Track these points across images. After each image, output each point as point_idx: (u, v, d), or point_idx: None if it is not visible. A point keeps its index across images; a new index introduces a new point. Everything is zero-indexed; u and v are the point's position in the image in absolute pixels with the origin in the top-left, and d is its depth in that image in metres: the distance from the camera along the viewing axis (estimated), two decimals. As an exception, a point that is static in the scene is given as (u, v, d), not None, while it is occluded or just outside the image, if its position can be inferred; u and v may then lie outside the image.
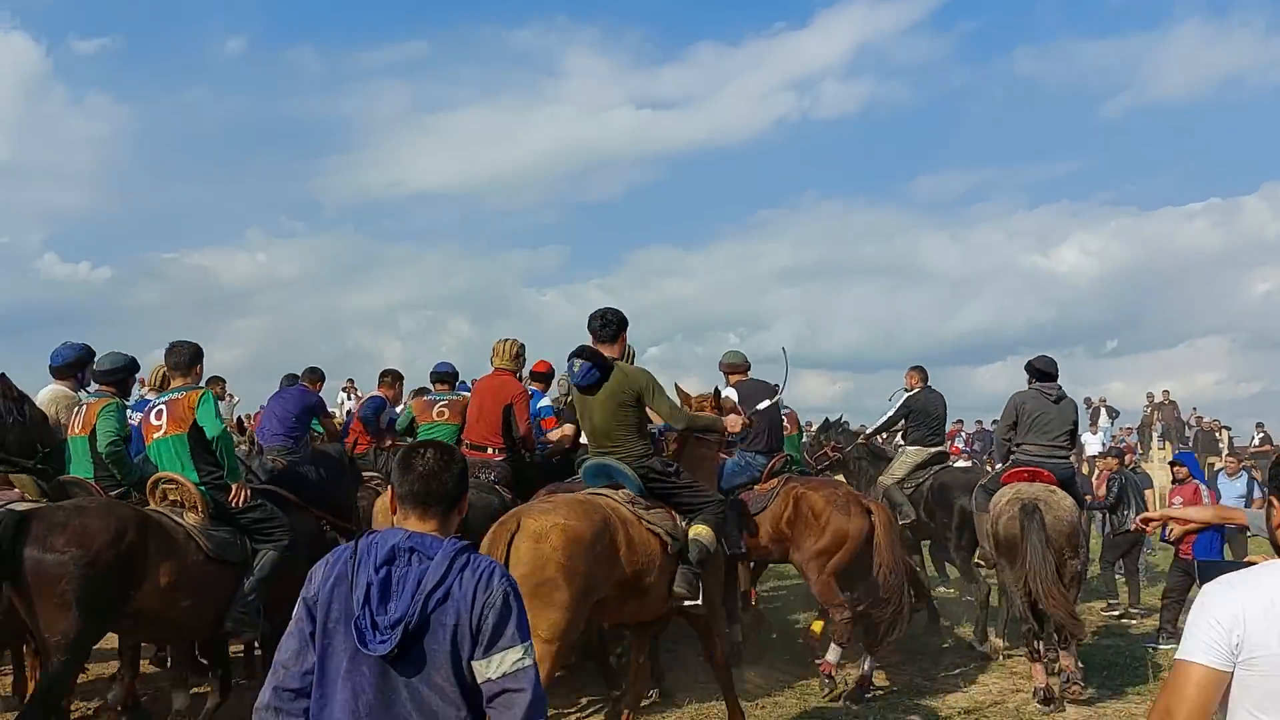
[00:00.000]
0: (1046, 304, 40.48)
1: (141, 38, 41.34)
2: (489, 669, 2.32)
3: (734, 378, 8.07)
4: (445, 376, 8.90)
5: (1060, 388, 7.58)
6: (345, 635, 2.34)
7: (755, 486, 7.63)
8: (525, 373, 8.32)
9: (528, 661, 2.36)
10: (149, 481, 5.76)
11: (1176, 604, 9.17)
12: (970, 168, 47.20)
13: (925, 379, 9.79)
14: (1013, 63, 45.32)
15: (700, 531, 5.47)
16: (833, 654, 7.20)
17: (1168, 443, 23.45)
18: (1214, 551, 9.12)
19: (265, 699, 2.44)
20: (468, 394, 8.26)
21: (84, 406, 6.14)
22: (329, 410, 9.55)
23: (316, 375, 9.93)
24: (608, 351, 5.58)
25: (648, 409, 5.63)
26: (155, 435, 5.74)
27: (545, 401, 8.45)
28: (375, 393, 9.75)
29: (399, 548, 2.38)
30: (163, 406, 5.79)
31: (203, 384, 6.02)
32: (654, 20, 47.53)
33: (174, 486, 5.67)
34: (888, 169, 49.02)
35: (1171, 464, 11.30)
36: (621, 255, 52.06)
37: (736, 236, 47.79)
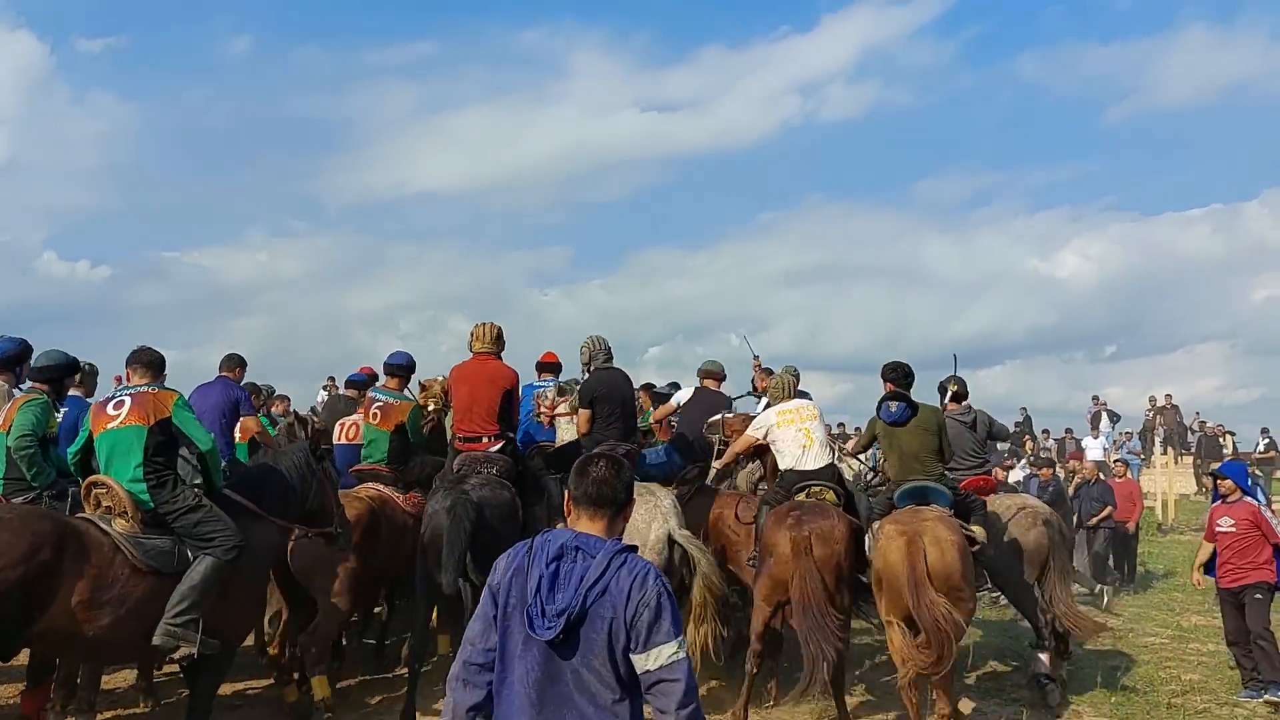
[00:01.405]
0: (1047, 308, 40.69)
1: (146, 37, 41.60)
2: (647, 662, 2.57)
3: (708, 382, 8.55)
4: (398, 369, 8.18)
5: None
6: (520, 620, 2.64)
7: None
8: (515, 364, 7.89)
9: (680, 655, 2.60)
10: (84, 485, 5.38)
11: (1250, 643, 7.61)
12: (974, 172, 47.32)
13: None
14: (1018, 67, 45.56)
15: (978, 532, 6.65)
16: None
17: (1170, 448, 23.06)
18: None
19: (455, 670, 2.76)
20: (412, 399, 8.11)
21: (10, 402, 5.91)
22: (251, 407, 8.56)
23: (235, 362, 8.62)
24: None
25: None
26: (109, 425, 5.35)
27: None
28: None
29: (567, 545, 2.68)
30: (127, 398, 5.42)
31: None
32: (660, 23, 47.86)
33: (105, 491, 5.27)
34: (891, 173, 49.31)
35: (1214, 476, 8.69)
36: (624, 256, 52.43)
37: (740, 238, 47.96)
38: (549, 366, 8.77)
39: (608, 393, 7.21)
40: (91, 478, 5.34)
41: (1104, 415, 23.97)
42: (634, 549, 2.75)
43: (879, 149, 47.68)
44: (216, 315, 37.44)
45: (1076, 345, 42.99)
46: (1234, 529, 7.80)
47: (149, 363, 5.55)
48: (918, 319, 42.16)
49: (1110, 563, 13.59)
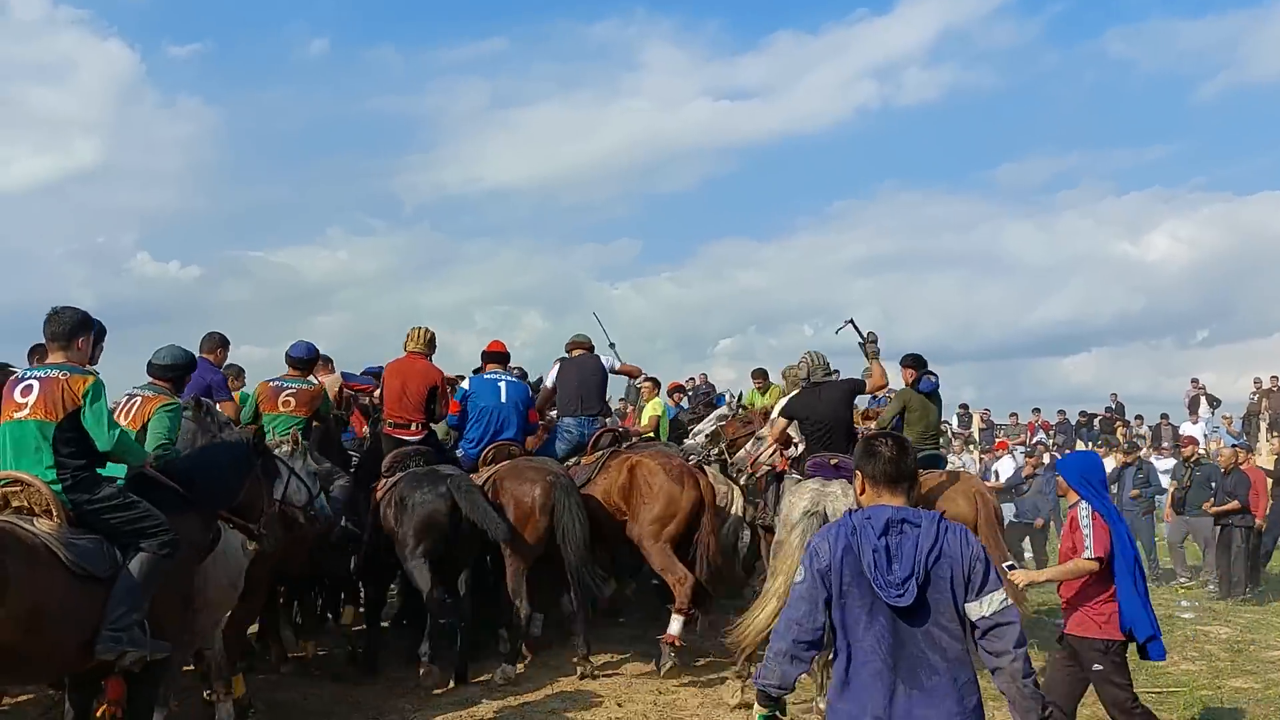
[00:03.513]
0: (1135, 293, 39.22)
1: (230, 42, 43.10)
2: (982, 608, 2.90)
3: (576, 352, 8.60)
4: (299, 362, 7.64)
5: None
6: (860, 594, 2.89)
7: (580, 459, 7.99)
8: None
9: (1008, 599, 2.95)
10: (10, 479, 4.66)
11: None
12: (1057, 154, 45.66)
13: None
14: (1104, 45, 43.65)
15: None
16: (675, 625, 7.09)
17: (1277, 433, 21.34)
18: None
19: (782, 647, 2.98)
20: (317, 385, 7.76)
21: (138, 399, 5.70)
22: (228, 391, 7.87)
23: (216, 343, 8.03)
24: None
25: None
26: (15, 414, 4.64)
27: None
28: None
29: (892, 520, 2.93)
30: (35, 383, 4.66)
31: (92, 367, 4.88)
32: (732, 10, 47.25)
33: (18, 489, 4.58)
34: (971, 157, 47.97)
35: None
36: (694, 247, 51.99)
37: (812, 228, 47.05)
38: (496, 356, 8.43)
39: (820, 410, 7.22)
40: (15, 473, 4.61)
41: (1202, 399, 22.33)
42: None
43: (957, 133, 46.23)
44: (299, 312, 38.37)
45: (1166, 330, 41.25)
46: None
47: (54, 335, 4.76)
48: (996, 306, 40.97)
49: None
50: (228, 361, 8.33)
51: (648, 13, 46.37)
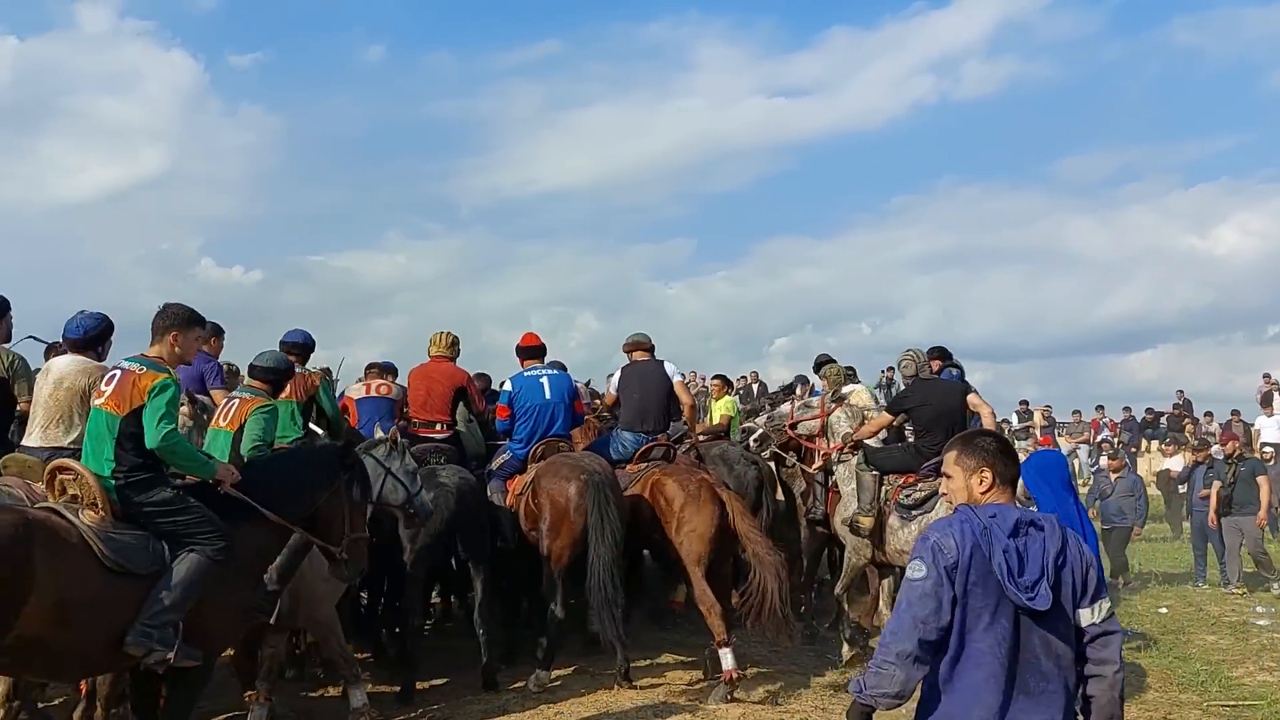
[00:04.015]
0: (1203, 288, 38.07)
1: (290, 50, 44.06)
2: (1093, 615, 2.90)
3: (638, 355, 8.21)
4: (294, 347, 7.30)
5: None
6: (984, 595, 2.82)
7: (626, 466, 7.70)
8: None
9: (1112, 608, 2.99)
10: (47, 470, 4.74)
11: None
12: (1121, 146, 44.48)
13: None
14: (1170, 34, 42.38)
15: None
16: (725, 660, 6.57)
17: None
18: None
19: (907, 648, 2.83)
20: (310, 372, 7.56)
21: (236, 401, 5.96)
22: (222, 380, 7.62)
23: (211, 332, 7.60)
24: None
25: None
26: (95, 402, 4.78)
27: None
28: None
29: (1020, 521, 2.89)
30: (118, 373, 4.77)
31: (165, 366, 4.79)
32: (786, 8, 46.70)
33: (72, 478, 4.60)
34: (1032, 150, 46.97)
35: None
36: (749, 246, 51.70)
37: (869, 224, 46.50)
38: (531, 351, 7.97)
39: (937, 403, 7.49)
40: (57, 461, 4.72)
41: (1276, 395, 21.39)
42: None
43: (1017, 126, 45.31)
44: (358, 316, 38.91)
45: (1235, 326, 40.05)
46: None
47: (156, 327, 4.85)
48: (1059, 302, 40.04)
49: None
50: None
51: (701, 12, 46.28)
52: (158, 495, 4.63)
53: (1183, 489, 14.49)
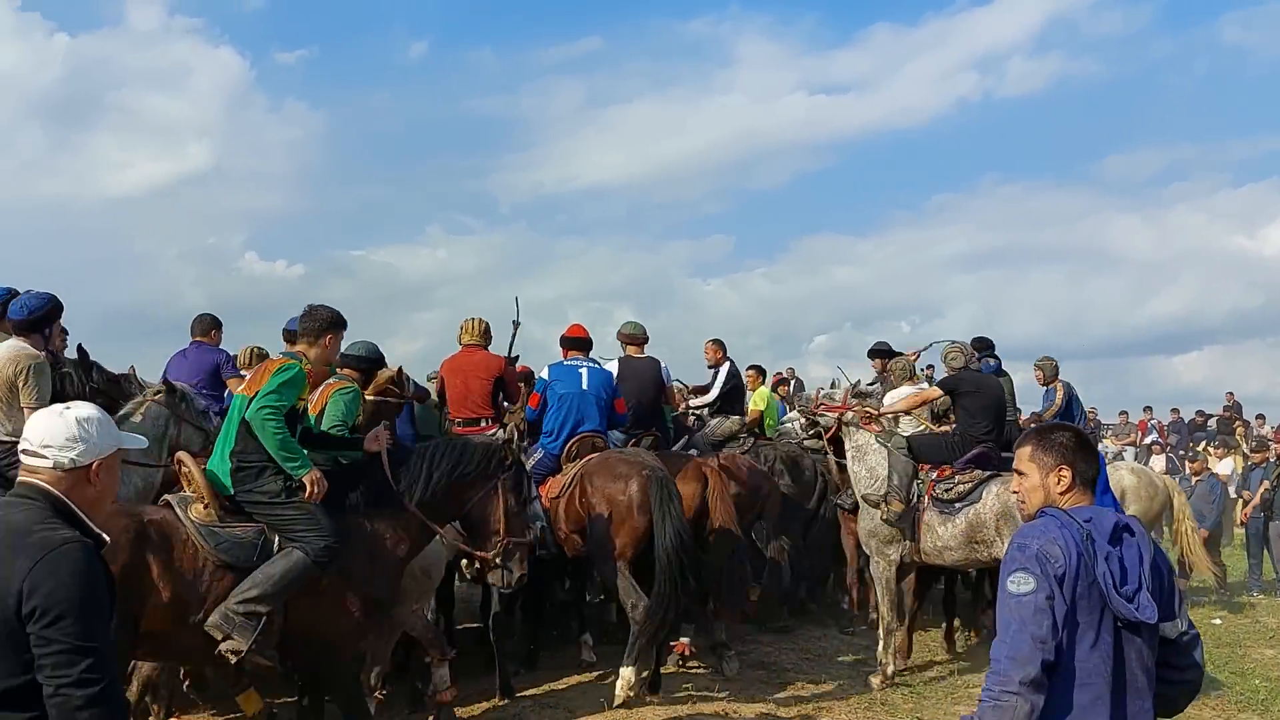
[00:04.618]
0: (1253, 289, 37.18)
1: (334, 47, 44.59)
2: (1180, 624, 2.72)
3: (631, 349, 8.12)
4: (290, 335, 6.89)
5: None
6: (1090, 608, 2.57)
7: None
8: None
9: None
10: (175, 460, 4.99)
11: None
12: (1168, 145, 43.40)
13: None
14: (1218, 30, 41.31)
15: None
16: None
17: None
18: None
19: (1031, 673, 2.52)
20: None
21: (322, 386, 5.76)
22: (235, 369, 7.33)
23: (209, 324, 7.49)
24: None
25: None
26: (237, 389, 5.16)
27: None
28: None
29: (1119, 526, 2.65)
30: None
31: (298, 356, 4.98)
32: (828, 4, 46.14)
33: (187, 472, 4.77)
34: (1076, 149, 45.97)
35: None
36: (788, 243, 51.11)
37: (910, 222, 45.82)
38: (576, 343, 7.67)
39: (986, 391, 7.57)
40: (178, 454, 4.94)
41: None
42: None
43: (1062, 124, 44.51)
44: (399, 310, 39.08)
45: (1286, 328, 38.75)
46: None
47: (307, 329, 5.02)
48: (1103, 302, 39.25)
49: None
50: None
51: (742, 8, 45.83)
52: (267, 485, 4.64)
53: (1243, 495, 13.95)
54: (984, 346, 9.45)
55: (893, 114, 43.28)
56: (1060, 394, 9.86)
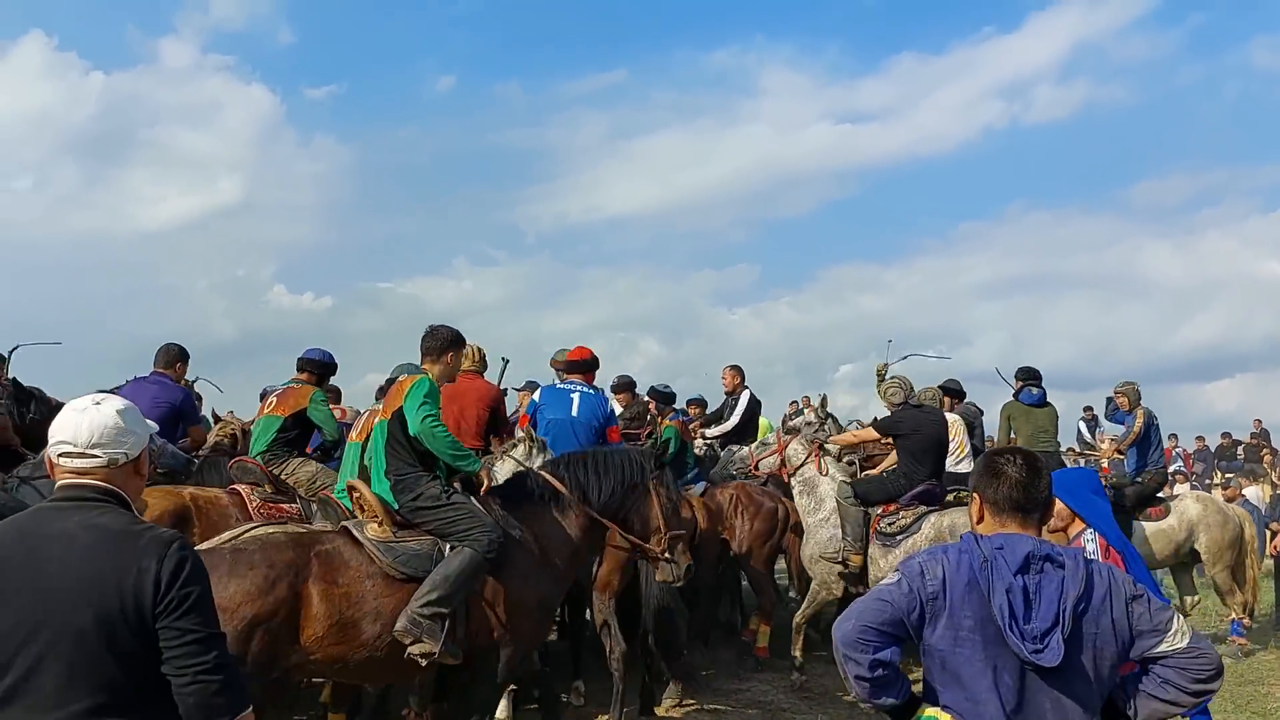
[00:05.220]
0: None
1: (362, 82, 45.05)
2: (1177, 640, 2.37)
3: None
4: (304, 364, 6.91)
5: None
6: (984, 645, 2.34)
7: None
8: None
9: (1186, 624, 2.41)
10: (347, 486, 5.25)
11: None
12: (1199, 170, 43.00)
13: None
14: (1249, 55, 41.01)
15: None
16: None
17: None
18: None
19: (860, 667, 2.38)
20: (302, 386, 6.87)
21: (364, 414, 5.94)
22: (195, 411, 7.06)
23: (175, 357, 7.00)
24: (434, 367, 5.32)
25: None
26: (375, 421, 5.29)
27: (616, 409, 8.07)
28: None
29: (1033, 555, 2.38)
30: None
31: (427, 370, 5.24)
32: (853, 33, 46.39)
33: (357, 495, 5.02)
34: (1105, 175, 45.71)
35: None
36: (813, 272, 50.96)
37: (936, 251, 45.65)
38: (577, 366, 7.44)
39: (927, 430, 7.59)
40: (349, 481, 5.25)
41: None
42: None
43: (1090, 151, 44.32)
44: None
45: (1320, 355, 38.10)
46: None
47: (430, 349, 5.22)
48: (1133, 330, 38.81)
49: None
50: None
51: (767, 39, 46.07)
52: (425, 492, 4.84)
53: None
54: (1030, 376, 9.69)
55: (918, 142, 43.32)
56: (1140, 421, 9.52)
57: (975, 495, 2.60)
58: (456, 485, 5.03)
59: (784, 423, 9.23)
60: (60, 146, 38.19)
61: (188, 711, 2.21)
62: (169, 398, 6.70)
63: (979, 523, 2.58)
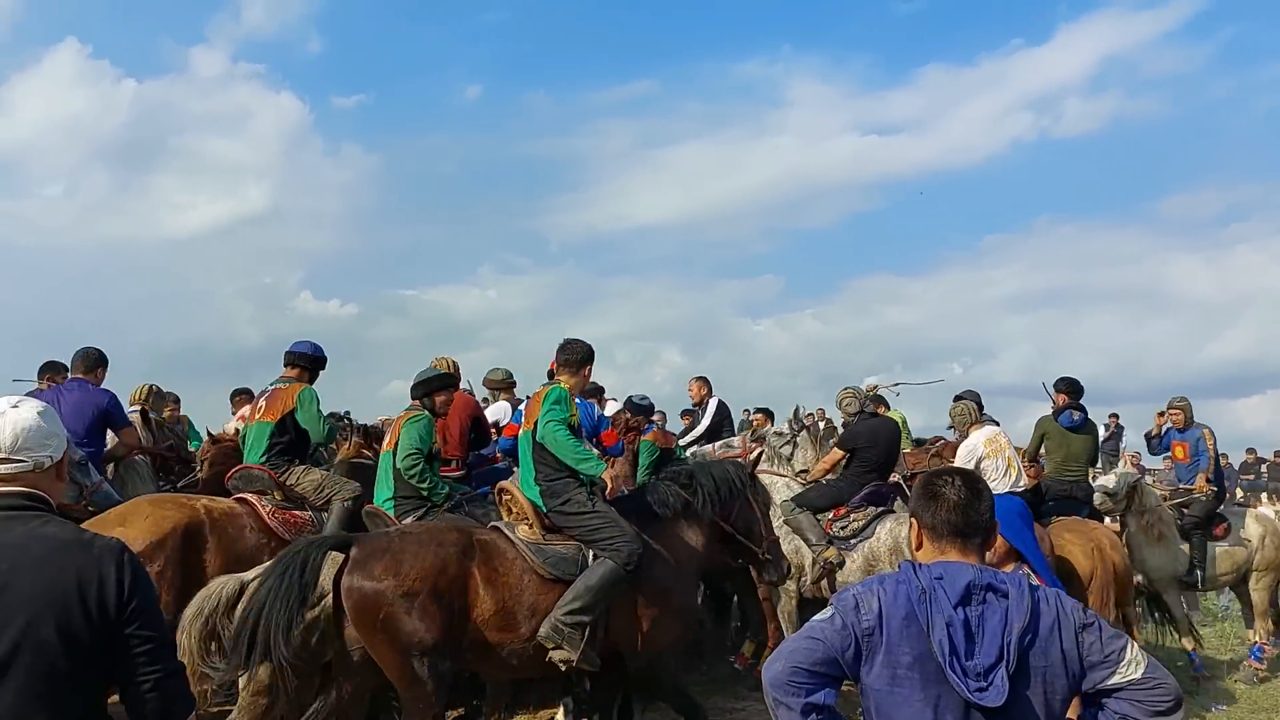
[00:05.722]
0: None
1: (390, 91, 45.40)
2: (1131, 670, 2.20)
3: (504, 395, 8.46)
4: (292, 358, 6.59)
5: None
6: (923, 683, 2.17)
7: None
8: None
9: (1140, 653, 2.24)
10: (495, 491, 5.57)
11: None
12: (1229, 185, 42.58)
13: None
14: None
15: None
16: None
17: None
18: None
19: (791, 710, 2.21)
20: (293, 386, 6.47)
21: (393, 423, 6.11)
22: (123, 415, 6.76)
23: (95, 361, 6.69)
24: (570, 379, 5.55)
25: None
26: (521, 430, 5.52)
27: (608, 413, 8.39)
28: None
29: (975, 585, 2.21)
30: (527, 398, 5.77)
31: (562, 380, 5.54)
32: (881, 45, 46.40)
33: (511, 498, 5.30)
34: (1134, 189, 45.48)
35: None
36: (838, 283, 50.78)
37: (963, 263, 45.39)
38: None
39: (873, 444, 7.65)
40: (500, 484, 5.48)
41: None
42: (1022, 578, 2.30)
43: (1120, 164, 43.96)
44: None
45: (1354, 372, 37.50)
46: None
47: (567, 361, 5.51)
48: (1162, 344, 38.36)
49: None
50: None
51: (795, 50, 45.92)
52: (571, 498, 5.09)
53: None
54: (1072, 390, 8.71)
55: (945, 154, 43.12)
56: (1210, 441, 8.96)
57: (913, 520, 2.43)
58: (599, 493, 5.23)
59: (752, 430, 9.17)
60: (91, 153, 39.01)
61: (148, 714, 2.21)
62: (94, 402, 6.45)
63: (918, 549, 2.41)
